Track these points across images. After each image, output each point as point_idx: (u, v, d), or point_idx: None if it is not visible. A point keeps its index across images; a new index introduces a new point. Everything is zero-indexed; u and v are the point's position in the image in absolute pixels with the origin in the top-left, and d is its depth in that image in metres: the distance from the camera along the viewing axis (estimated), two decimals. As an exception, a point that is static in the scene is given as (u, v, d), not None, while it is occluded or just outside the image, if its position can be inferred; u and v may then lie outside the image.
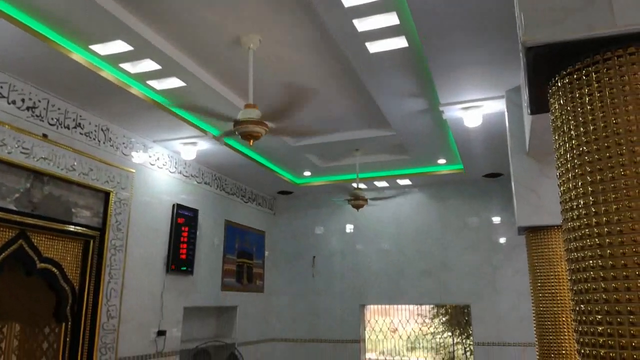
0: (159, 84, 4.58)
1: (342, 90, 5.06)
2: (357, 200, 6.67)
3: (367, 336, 8.31)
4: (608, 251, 1.37)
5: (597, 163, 1.45)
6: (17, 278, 4.55)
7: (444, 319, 8.89)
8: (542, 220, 4.31)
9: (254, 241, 8.06)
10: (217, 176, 7.13)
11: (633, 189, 1.37)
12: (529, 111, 1.95)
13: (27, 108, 4.34)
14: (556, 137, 1.63)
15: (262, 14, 3.74)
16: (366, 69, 4.29)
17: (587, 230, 1.45)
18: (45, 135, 4.48)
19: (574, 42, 1.45)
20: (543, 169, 4.32)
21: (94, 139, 5.00)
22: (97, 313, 4.85)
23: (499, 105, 4.82)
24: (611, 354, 1.32)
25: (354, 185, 7.07)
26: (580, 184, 1.48)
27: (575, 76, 1.54)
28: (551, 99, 1.67)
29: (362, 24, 3.67)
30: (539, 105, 1.87)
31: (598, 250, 1.40)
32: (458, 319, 8.69)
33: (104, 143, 5.11)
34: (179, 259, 6.05)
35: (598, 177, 1.44)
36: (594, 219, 1.43)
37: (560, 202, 1.60)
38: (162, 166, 5.97)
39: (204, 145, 5.87)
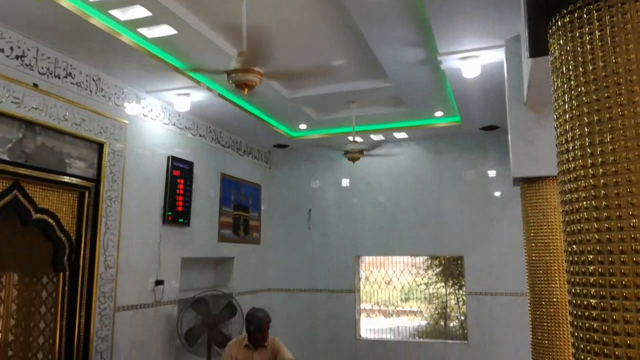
0: (149, 32, 4.47)
1: (339, 38, 4.96)
2: (353, 153, 6.66)
3: (361, 287, 8.47)
4: (602, 192, 1.37)
5: (594, 103, 1.43)
6: (13, 229, 4.57)
7: (437, 270, 9.04)
8: (537, 171, 4.32)
9: (250, 194, 8.09)
10: (212, 129, 7.07)
11: (630, 129, 1.35)
12: (528, 54, 1.90)
13: (17, 57, 4.24)
14: (554, 79, 1.59)
15: (255, -44, 3.61)
16: (363, 16, 4.19)
17: (582, 171, 1.44)
18: (35, 85, 4.40)
19: (575, -22, 1.41)
20: (540, 119, 4.30)
21: (86, 89, 4.91)
22: (95, 263, 4.90)
23: (497, 56, 4.74)
24: (601, 292, 1.34)
25: (350, 138, 7.03)
26: (577, 124, 1.47)
27: (576, 15, 1.50)
28: (551, 40, 1.63)
29: (359, -32, 3.56)
30: (538, 47, 1.82)
31: (592, 191, 1.40)
32: (451, 270, 8.84)
33: (95, 93, 5.03)
34: (175, 210, 6.07)
35: (595, 118, 1.42)
36: (589, 160, 1.42)
37: (557, 145, 1.58)
38: (156, 117, 5.90)
39: (198, 96, 5.79)
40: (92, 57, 4.79)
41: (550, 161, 4.23)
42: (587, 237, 1.39)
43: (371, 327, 8.68)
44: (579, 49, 1.48)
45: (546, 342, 4.22)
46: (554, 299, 4.21)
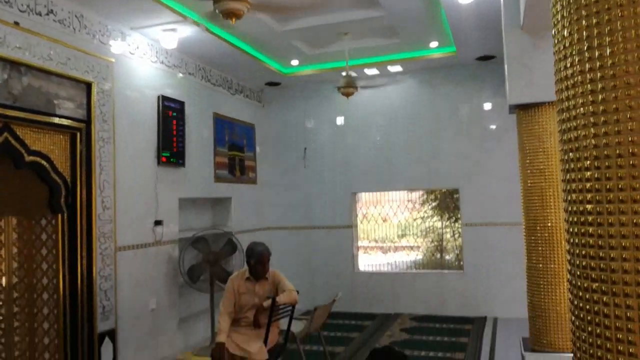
0: (131, -37, 4.28)
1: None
2: (347, 88, 6.56)
3: (358, 223, 8.57)
4: (600, 96, 1.34)
5: (593, 6, 1.37)
6: (7, 172, 4.54)
7: (433, 204, 9.14)
8: (533, 96, 4.28)
9: (244, 134, 8.02)
10: (201, 67, 6.92)
11: (629, 30, 1.31)
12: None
13: (-7, -7, 4.07)
14: (553, -17, 1.53)
15: None
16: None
17: (579, 77, 1.40)
18: (17, 23, 4.25)
19: None
20: (537, 43, 4.21)
21: (69, 27, 4.75)
22: (92, 204, 4.91)
23: (493, -22, 4.59)
24: (597, 197, 1.33)
25: (344, 73, 6.90)
26: (575, 29, 1.42)
27: None
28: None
29: None
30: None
31: (590, 97, 1.36)
32: (447, 204, 8.94)
33: (79, 31, 4.87)
34: (170, 151, 6.03)
35: (594, 21, 1.37)
36: (587, 65, 1.38)
37: (554, 53, 1.54)
38: (143, 55, 5.75)
39: (185, 31, 5.62)
40: (72, -8, 4.60)
41: (547, 86, 4.18)
42: (584, 144, 1.37)
43: (369, 263, 8.87)
44: (577, -51, 1.41)
45: (541, 265, 4.32)
46: (549, 224, 4.28)
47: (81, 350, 4.82)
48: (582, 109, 1.38)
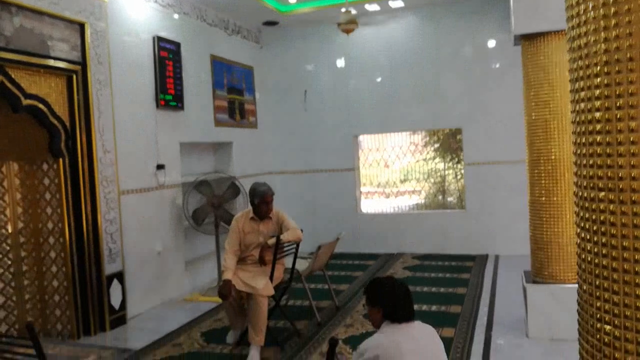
0: None
1: None
2: (347, 24, 6.37)
3: (360, 167, 8.54)
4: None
5: None
6: (5, 117, 4.50)
7: (436, 145, 9.09)
8: (539, 26, 4.16)
9: (243, 77, 7.88)
10: (196, 6, 6.72)
11: None
12: None
13: None
14: None
15: None
16: None
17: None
18: (2, -40, 4.09)
19: None
20: (543, -31, 4.04)
21: (58, -36, 4.58)
22: (93, 147, 4.88)
23: None
24: (606, 104, 1.29)
25: (343, 9, 6.69)
26: None
27: None
28: None
29: None
30: None
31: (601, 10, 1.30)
32: (449, 144, 8.88)
33: (69, -32, 4.70)
34: (168, 94, 5.94)
35: None
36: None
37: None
38: (137, -5, 5.58)
39: (179, -32, 5.42)
40: None
41: (552, 16, 4.06)
42: (594, 50, 1.32)
43: (371, 207, 8.90)
44: None
45: (544, 198, 4.31)
46: (552, 157, 4.24)
47: (90, 292, 4.91)
48: (592, 13, 1.32)
